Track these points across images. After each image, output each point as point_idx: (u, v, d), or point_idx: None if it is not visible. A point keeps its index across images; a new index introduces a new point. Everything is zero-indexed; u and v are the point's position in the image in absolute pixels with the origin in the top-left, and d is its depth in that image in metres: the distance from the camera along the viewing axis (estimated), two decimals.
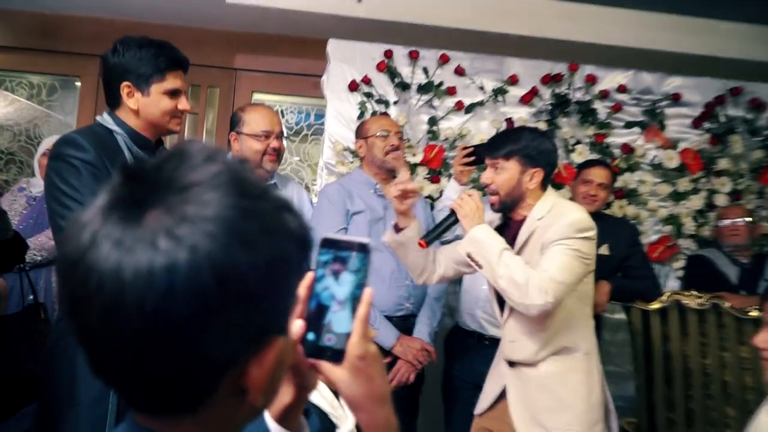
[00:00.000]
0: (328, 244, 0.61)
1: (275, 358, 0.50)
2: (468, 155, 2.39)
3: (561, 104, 3.05)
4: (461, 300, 2.52)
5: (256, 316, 0.46)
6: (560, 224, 1.65)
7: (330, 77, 3.00)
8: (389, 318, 2.28)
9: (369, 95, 2.99)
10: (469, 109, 3.04)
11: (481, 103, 3.04)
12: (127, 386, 0.47)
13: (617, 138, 3.09)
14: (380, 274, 2.28)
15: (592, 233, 1.68)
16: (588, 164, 2.69)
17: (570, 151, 3.06)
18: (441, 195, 2.77)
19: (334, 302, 0.60)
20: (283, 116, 3.57)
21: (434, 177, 2.99)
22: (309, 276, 0.59)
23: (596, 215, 2.52)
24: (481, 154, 2.34)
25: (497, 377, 1.85)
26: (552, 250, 1.63)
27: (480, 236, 1.65)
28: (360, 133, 2.46)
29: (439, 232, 1.77)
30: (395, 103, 3.00)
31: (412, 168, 3.00)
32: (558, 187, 2.97)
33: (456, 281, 2.63)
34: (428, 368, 2.40)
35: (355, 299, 0.59)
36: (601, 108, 3.09)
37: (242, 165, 0.49)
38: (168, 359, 0.43)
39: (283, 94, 3.56)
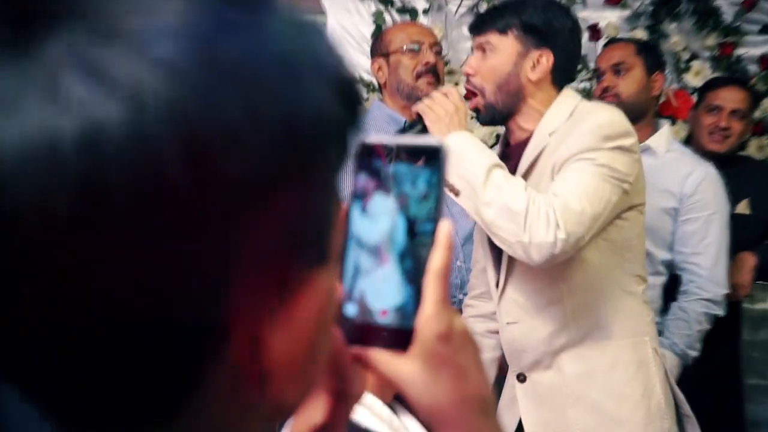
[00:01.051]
0: (368, 152, 0.50)
1: (315, 308, 0.38)
2: None
3: (667, 3, 2.85)
4: None
5: (271, 227, 0.35)
6: (580, 131, 1.50)
7: None
8: None
9: (388, 2, 2.87)
10: None
11: None
12: (37, 377, 0.37)
13: (751, 48, 2.87)
14: None
15: (630, 141, 1.51)
16: (714, 84, 2.48)
17: (683, 71, 2.84)
18: (497, 140, 2.58)
19: (384, 252, 0.51)
20: None
21: None
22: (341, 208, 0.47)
23: (730, 158, 2.43)
24: None
25: (510, 402, 1.73)
26: (567, 168, 1.48)
27: (458, 146, 1.50)
28: (378, 48, 2.29)
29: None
30: (426, 12, 2.89)
31: None
32: (671, 122, 2.69)
33: None
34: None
35: (421, 246, 0.49)
36: (727, 6, 2.85)
37: None
38: (102, 314, 0.33)
39: None
